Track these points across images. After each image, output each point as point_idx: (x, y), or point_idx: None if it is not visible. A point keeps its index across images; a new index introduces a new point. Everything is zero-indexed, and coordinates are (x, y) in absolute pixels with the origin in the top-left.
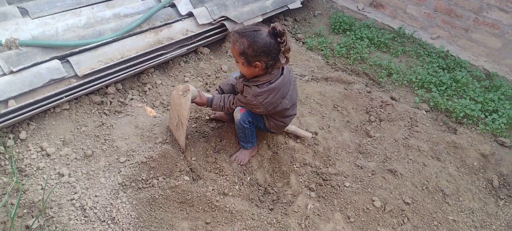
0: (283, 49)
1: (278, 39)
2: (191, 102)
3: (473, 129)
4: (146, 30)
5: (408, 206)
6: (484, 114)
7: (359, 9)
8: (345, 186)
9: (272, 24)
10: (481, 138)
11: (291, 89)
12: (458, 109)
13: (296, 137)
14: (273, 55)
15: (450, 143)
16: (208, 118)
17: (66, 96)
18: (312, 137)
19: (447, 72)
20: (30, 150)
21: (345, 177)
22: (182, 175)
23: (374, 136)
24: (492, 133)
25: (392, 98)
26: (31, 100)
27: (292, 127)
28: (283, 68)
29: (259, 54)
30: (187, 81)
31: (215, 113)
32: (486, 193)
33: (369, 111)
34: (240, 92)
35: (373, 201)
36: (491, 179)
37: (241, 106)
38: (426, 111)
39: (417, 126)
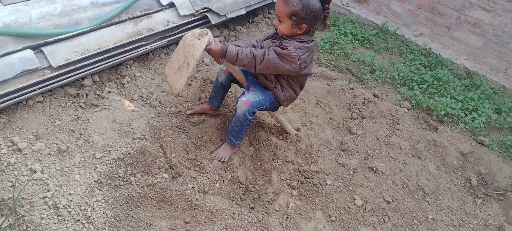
0: (326, 15)
1: (326, 5)
2: (205, 49)
3: (454, 127)
4: (125, 20)
5: (388, 205)
6: (464, 113)
7: (343, 4)
8: (326, 184)
9: None
10: (461, 137)
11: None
12: (439, 107)
13: (279, 133)
14: (318, 20)
15: (431, 141)
16: (188, 112)
17: (39, 88)
18: (295, 134)
19: (429, 70)
20: (0, 144)
21: (326, 175)
22: (161, 172)
23: (356, 133)
24: (472, 132)
25: (374, 95)
26: (2, 92)
27: (282, 117)
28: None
29: (309, 17)
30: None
31: (193, 109)
32: (464, 191)
33: (352, 108)
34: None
35: (354, 199)
36: (470, 178)
37: (247, 98)
38: (408, 109)
39: (398, 124)
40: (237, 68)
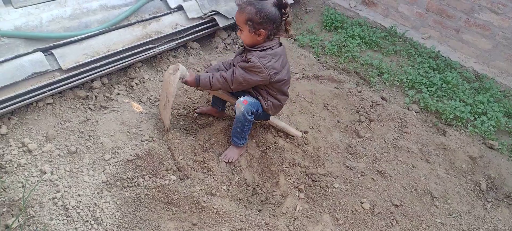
0: (285, 20)
1: (283, 10)
2: (182, 82)
3: (462, 131)
4: (134, 23)
5: (396, 209)
6: (474, 116)
7: (351, 7)
8: (334, 187)
9: None
10: (470, 140)
11: (287, 64)
12: (448, 111)
13: (286, 135)
14: (276, 25)
15: (439, 144)
16: (196, 115)
17: (49, 90)
18: (302, 136)
19: (437, 73)
20: (11, 146)
21: (334, 178)
22: (168, 174)
23: (364, 136)
24: (481, 136)
25: (382, 98)
26: (13, 94)
27: (282, 123)
28: (280, 43)
29: (264, 22)
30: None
31: (200, 108)
32: (473, 196)
33: (360, 111)
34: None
35: (362, 203)
36: (479, 182)
37: (244, 98)
38: (416, 112)
39: (407, 127)
40: (219, 91)
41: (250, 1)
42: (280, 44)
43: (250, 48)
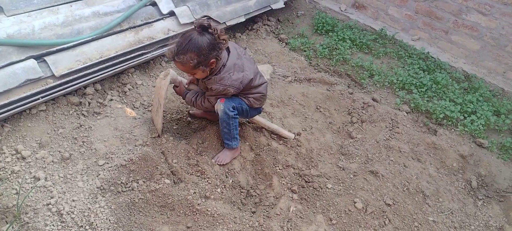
0: (217, 35)
1: (209, 30)
2: (172, 88)
3: (453, 130)
4: (126, 29)
5: (389, 208)
6: (463, 115)
7: (341, 10)
8: (327, 187)
9: (195, 23)
10: (460, 139)
11: (246, 60)
12: (438, 110)
13: (279, 138)
14: (217, 46)
15: (430, 144)
16: (189, 119)
17: (42, 97)
18: (294, 138)
19: (427, 74)
20: (4, 153)
21: (327, 179)
22: (162, 178)
23: (356, 137)
24: (471, 134)
25: (373, 99)
26: (6, 102)
27: (274, 126)
28: (228, 48)
29: (209, 53)
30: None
31: (194, 111)
32: (465, 193)
33: (351, 112)
34: (205, 90)
35: (355, 202)
36: (470, 180)
37: (220, 97)
38: (407, 113)
39: (398, 127)
40: None
41: (183, 48)
42: (228, 50)
43: (206, 76)
